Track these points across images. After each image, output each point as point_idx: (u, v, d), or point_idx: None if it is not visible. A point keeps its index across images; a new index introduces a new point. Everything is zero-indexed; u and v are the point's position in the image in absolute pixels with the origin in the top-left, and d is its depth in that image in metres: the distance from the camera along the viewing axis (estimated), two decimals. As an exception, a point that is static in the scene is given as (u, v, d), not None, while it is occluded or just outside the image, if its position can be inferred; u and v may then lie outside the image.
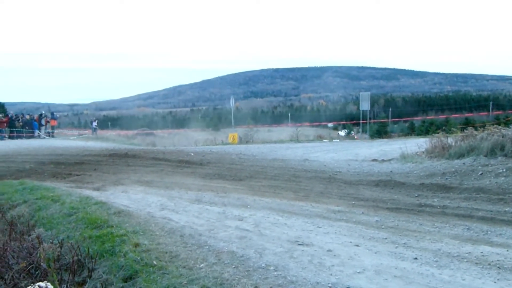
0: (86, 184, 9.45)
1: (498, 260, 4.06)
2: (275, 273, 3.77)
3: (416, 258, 4.16)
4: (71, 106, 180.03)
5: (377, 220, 5.88)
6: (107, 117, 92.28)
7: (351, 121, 41.73)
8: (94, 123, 35.21)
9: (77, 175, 10.79)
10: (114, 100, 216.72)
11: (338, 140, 25.53)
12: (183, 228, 5.24)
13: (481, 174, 8.17)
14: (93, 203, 6.68)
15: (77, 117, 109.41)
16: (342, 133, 50.73)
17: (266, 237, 4.89)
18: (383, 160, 11.85)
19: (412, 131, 34.91)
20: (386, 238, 4.89)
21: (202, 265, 4.00)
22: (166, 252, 4.32)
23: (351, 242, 4.72)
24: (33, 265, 4.19)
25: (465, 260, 4.12)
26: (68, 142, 24.49)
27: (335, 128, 51.17)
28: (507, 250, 4.41)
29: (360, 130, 32.38)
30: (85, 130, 36.48)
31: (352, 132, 48.81)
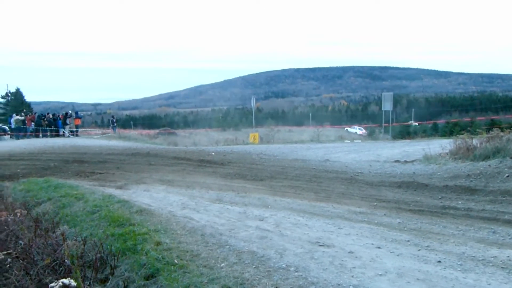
0: (109, 182, 9.59)
1: (525, 265, 3.96)
2: (296, 274, 3.75)
3: (439, 261, 4.08)
4: (95, 105, 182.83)
5: (399, 222, 5.81)
6: (130, 117, 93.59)
7: (373, 123, 41.30)
8: (114, 121, 35.69)
9: (100, 173, 10.95)
10: (136, 99, 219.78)
11: (359, 141, 25.31)
12: (204, 227, 5.26)
13: (507, 176, 7.97)
14: (115, 201, 6.77)
15: (100, 116, 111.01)
16: (353, 130, 50.31)
17: (286, 237, 4.87)
18: (405, 161, 11.68)
19: (435, 132, 34.36)
20: (408, 241, 4.82)
21: (222, 264, 4.02)
22: (187, 251, 4.35)
23: (373, 244, 4.66)
24: (57, 261, 4.27)
25: (491, 264, 4.02)
26: (92, 141, 24.88)
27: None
28: (535, 255, 4.29)
29: (382, 131, 32.05)
30: (108, 129, 36.91)
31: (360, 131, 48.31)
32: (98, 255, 4.29)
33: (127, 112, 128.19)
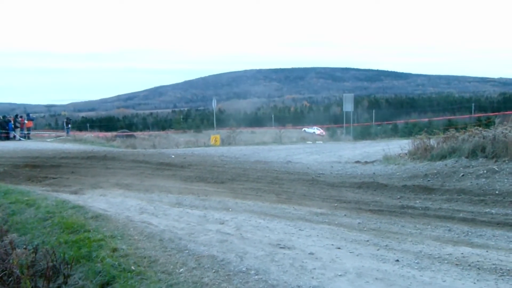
0: (62, 187, 9.33)
1: (478, 261, 4.14)
2: (256, 277, 3.77)
3: (397, 260, 4.21)
4: (48, 107, 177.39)
5: (359, 222, 5.94)
6: (86, 119, 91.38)
7: (334, 124, 42.03)
8: (68, 123, 34.75)
9: (53, 178, 10.65)
10: (93, 101, 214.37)
11: (321, 142, 25.69)
12: (162, 232, 5.21)
13: (463, 175, 8.31)
14: (69, 207, 6.60)
15: (54, 119, 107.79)
16: (311, 130, 51.11)
17: (247, 240, 4.89)
18: (366, 162, 11.95)
19: (395, 133, 35.31)
20: (368, 241, 4.94)
21: (181, 269, 3.99)
22: (145, 257, 4.29)
23: (333, 244, 4.75)
24: (6, 271, 4.11)
25: (446, 261, 4.18)
26: (45, 144, 24.11)
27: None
28: (487, 251, 4.50)
29: (344, 131, 32.65)
30: (63, 131, 35.86)
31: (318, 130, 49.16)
32: (50, 263, 4.16)
33: (83, 114, 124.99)
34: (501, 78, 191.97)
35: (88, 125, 55.37)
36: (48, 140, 29.14)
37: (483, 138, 9.24)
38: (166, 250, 4.50)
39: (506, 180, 7.53)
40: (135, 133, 39.96)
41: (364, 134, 33.32)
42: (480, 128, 10.15)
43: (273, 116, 53.64)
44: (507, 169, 7.92)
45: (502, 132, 9.03)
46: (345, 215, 6.44)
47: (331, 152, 15.55)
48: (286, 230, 5.42)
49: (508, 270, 3.92)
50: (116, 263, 4.11)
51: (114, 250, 4.47)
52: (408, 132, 31.06)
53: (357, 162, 12.18)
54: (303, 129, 53.27)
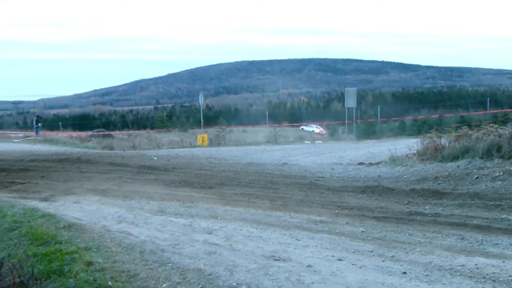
0: (32, 193, 9.29)
1: (493, 273, 4.17)
2: (248, 292, 3.78)
3: (404, 273, 4.23)
4: (16, 103, 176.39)
5: (362, 231, 5.96)
6: (58, 116, 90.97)
7: (335, 121, 42.18)
8: (38, 122, 34.47)
9: (21, 183, 10.59)
10: (66, 96, 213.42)
11: (321, 142, 25.78)
12: (143, 243, 5.20)
13: (477, 178, 8.37)
14: (39, 215, 6.58)
15: (23, 117, 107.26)
16: (310, 129, 51.30)
17: (238, 252, 4.89)
18: (370, 164, 12.02)
19: (402, 131, 35.54)
20: (372, 251, 4.96)
21: (164, 285, 3.98)
22: (123, 271, 4.28)
23: (333, 256, 4.77)
24: (-33, 289, 4.08)
25: (458, 273, 4.21)
26: (11, 145, 24.00)
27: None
28: (503, 262, 4.53)
29: (346, 129, 32.77)
30: (32, 131, 35.69)
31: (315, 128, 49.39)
32: (17, 279, 4.13)
33: (55, 111, 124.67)
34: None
35: (60, 123, 55.00)
36: (15, 140, 29.02)
37: (499, 137, 9.33)
38: (147, 263, 4.50)
39: (524, 183, 7.59)
40: (113, 133, 39.90)
41: (368, 133, 33.51)
42: (496, 126, 10.23)
43: (267, 113, 53.59)
44: (526, 171, 7.99)
45: (520, 130, 9.10)
46: (347, 223, 6.46)
47: (331, 153, 15.62)
48: (281, 240, 5.43)
49: (527, 282, 3.95)
50: (91, 278, 4.09)
51: (89, 263, 4.45)
52: (417, 130, 31.28)
53: (361, 163, 12.24)
54: (301, 127, 53.39)
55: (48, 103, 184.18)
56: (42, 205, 7.67)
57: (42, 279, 4.17)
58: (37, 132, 33.09)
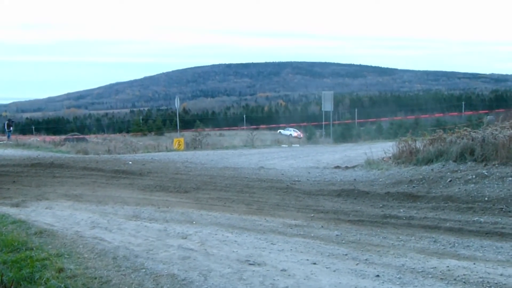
0: (2, 199, 9.13)
1: (464, 275, 4.27)
2: (221, 297, 3.79)
3: (378, 276, 4.30)
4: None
5: (337, 235, 6.03)
6: (30, 120, 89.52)
7: (313, 124, 42.46)
8: (10, 126, 33.82)
9: (-9, 189, 10.40)
10: (39, 99, 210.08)
11: (298, 145, 25.89)
12: (116, 249, 5.18)
13: (450, 181, 8.53)
14: (9, 222, 6.50)
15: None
16: (287, 132, 51.64)
17: (213, 256, 4.91)
18: (346, 167, 12.14)
19: (379, 134, 35.92)
20: (346, 254, 5.03)
21: (137, 291, 3.97)
22: (95, 278, 4.26)
23: (308, 259, 4.81)
24: None
25: (430, 275, 4.29)
26: (-18, 150, 23.51)
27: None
28: (474, 264, 4.64)
29: (323, 133, 32.99)
30: (3, 135, 35.02)
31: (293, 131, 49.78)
32: (-14, 287, 4.08)
33: (28, 115, 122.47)
34: (493, 74, 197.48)
35: (33, 127, 54.19)
36: (-14, 145, 28.40)
37: (472, 140, 9.52)
38: (120, 270, 4.48)
39: (496, 186, 7.78)
40: (87, 137, 39.41)
41: (345, 136, 33.76)
42: (469, 129, 10.44)
43: (244, 116, 53.67)
44: (497, 174, 8.18)
45: (492, 133, 9.31)
46: (322, 226, 6.53)
47: (308, 157, 15.72)
48: (256, 244, 5.46)
49: (496, 283, 4.06)
50: (62, 285, 4.06)
51: (60, 270, 4.42)
52: (394, 133, 31.66)
53: (337, 167, 12.36)
54: (279, 131, 53.61)
55: (20, 107, 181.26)
56: (13, 211, 7.56)
57: (12, 287, 4.12)
58: (8, 136, 32.48)
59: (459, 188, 8.09)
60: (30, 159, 16.11)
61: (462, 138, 9.83)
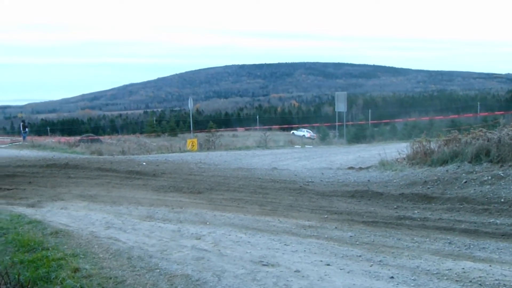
0: (18, 200, 9.26)
1: (480, 277, 4.23)
2: (235, 298, 3.80)
3: (392, 277, 4.28)
4: (3, 108, 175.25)
5: (351, 236, 6.01)
6: (46, 121, 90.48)
7: (326, 125, 42.34)
8: (25, 127, 34.16)
9: (8, 189, 10.54)
10: (54, 101, 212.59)
11: (311, 146, 25.84)
12: (131, 249, 5.21)
13: (465, 182, 8.45)
14: (26, 222, 6.57)
15: (10, 121, 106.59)
16: (301, 133, 51.59)
17: (226, 257, 4.92)
18: (360, 168, 12.08)
19: (393, 135, 35.71)
20: (360, 256, 5.01)
21: (151, 291, 3.99)
22: (110, 278, 4.29)
23: (321, 261, 4.81)
24: (-48, 296, 4.07)
25: (445, 277, 4.26)
26: (-2, 151, 23.81)
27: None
28: (490, 266, 4.59)
29: (337, 134, 32.87)
30: (19, 136, 35.44)
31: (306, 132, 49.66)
32: (3, 286, 4.13)
33: (43, 116, 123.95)
34: (508, 74, 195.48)
35: (48, 128, 54.72)
36: (2, 146, 28.79)
37: (488, 141, 9.42)
38: (135, 270, 4.51)
39: (512, 187, 7.68)
40: (101, 138, 39.68)
41: (359, 137, 33.61)
42: (485, 130, 10.33)
43: (257, 117, 53.68)
44: (513, 175, 8.08)
45: (508, 134, 9.21)
46: (335, 227, 6.51)
47: (321, 157, 15.67)
48: (270, 245, 5.46)
49: (512, 286, 4.01)
50: (78, 285, 4.10)
51: (76, 270, 4.46)
52: (408, 134, 31.45)
53: (351, 168, 12.30)
54: (292, 131, 53.60)
55: (36, 108, 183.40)
56: (29, 211, 7.65)
57: (29, 286, 4.17)
58: (24, 137, 32.86)
59: (475, 190, 8.01)
60: (45, 160, 16.27)
61: (478, 139, 9.73)
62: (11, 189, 10.54)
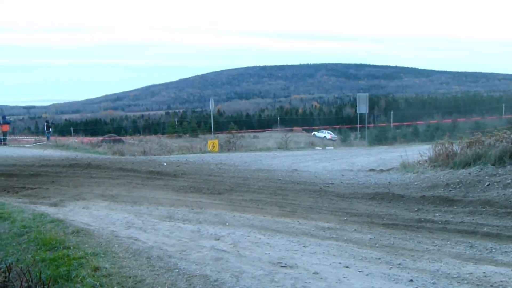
0: (41, 199, 9.41)
1: (501, 281, 4.16)
2: (253, 299, 3.81)
3: (411, 280, 4.24)
4: (28, 108, 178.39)
5: (370, 238, 5.97)
6: (69, 122, 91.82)
7: (348, 127, 42.16)
8: (49, 127, 34.65)
9: (31, 188, 10.72)
10: (77, 101, 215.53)
11: (332, 148, 25.74)
12: (150, 249, 5.25)
13: (488, 185, 8.32)
14: (48, 221, 6.65)
15: (34, 122, 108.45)
16: (322, 135, 51.37)
17: (245, 258, 4.93)
18: (381, 170, 11.99)
19: (415, 136, 35.37)
20: (379, 258, 4.97)
21: (170, 291, 4.02)
22: (130, 277, 4.33)
23: (340, 263, 4.79)
24: (-24, 293, 4.16)
25: (466, 281, 4.21)
26: (23, 150, 24.22)
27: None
28: (512, 270, 4.52)
29: (358, 135, 32.69)
30: (43, 136, 36.00)
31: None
32: (25, 284, 4.20)
33: (67, 116, 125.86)
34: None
35: (71, 129, 55.55)
36: (27, 146, 29.27)
37: (511, 143, 9.26)
38: (154, 269, 4.54)
39: (536, 191, 7.54)
40: (123, 138, 40.15)
41: (380, 139, 33.40)
42: (509, 132, 10.16)
43: (278, 118, 53.86)
44: (538, 178, 7.93)
45: (533, 136, 9.04)
46: (355, 230, 6.47)
47: (342, 159, 15.60)
48: (288, 246, 5.46)
49: (535, 291, 3.94)
50: (98, 284, 4.15)
51: (96, 269, 4.51)
52: (430, 136, 31.12)
53: (371, 170, 12.23)
54: (313, 133, 53.47)
55: (60, 108, 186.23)
56: (51, 211, 7.76)
57: (50, 284, 4.24)
58: (48, 137, 33.38)
59: (498, 193, 7.88)
60: (68, 159, 16.50)
61: (501, 141, 9.58)
62: (34, 188, 10.71)
